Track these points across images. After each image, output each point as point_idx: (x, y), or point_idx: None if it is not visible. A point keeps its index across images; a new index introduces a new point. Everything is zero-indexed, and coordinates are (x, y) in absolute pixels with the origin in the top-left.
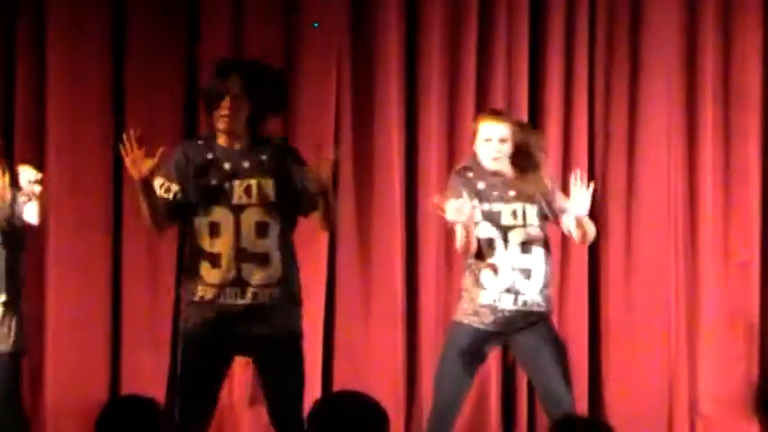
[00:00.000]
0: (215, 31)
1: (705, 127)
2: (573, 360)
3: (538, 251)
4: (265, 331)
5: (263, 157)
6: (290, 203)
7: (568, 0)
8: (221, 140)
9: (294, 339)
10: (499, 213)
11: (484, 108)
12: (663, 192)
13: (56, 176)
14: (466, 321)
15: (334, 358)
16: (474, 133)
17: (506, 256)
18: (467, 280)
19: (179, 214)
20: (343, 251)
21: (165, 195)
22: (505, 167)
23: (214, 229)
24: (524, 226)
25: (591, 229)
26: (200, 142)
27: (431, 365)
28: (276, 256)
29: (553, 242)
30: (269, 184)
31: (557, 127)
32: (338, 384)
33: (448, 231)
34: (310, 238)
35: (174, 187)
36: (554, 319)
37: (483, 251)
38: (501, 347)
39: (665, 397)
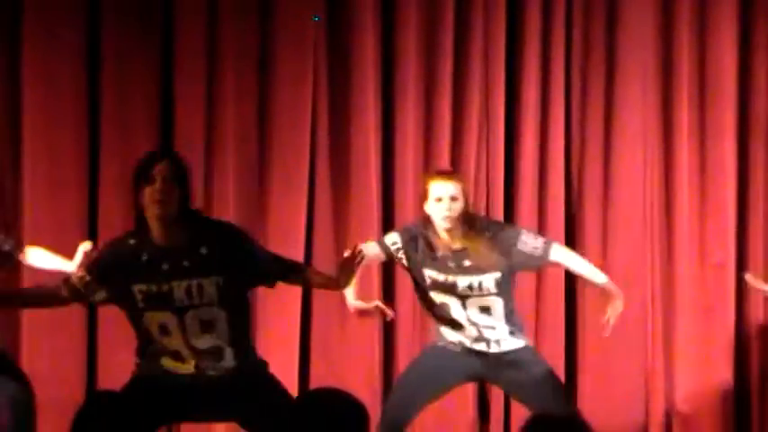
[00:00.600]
0: (190, 37)
1: (681, 130)
2: (549, 363)
3: (498, 308)
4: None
5: (203, 251)
6: (238, 295)
7: (545, 3)
8: (156, 236)
9: (261, 381)
10: (455, 284)
11: (429, 168)
12: (639, 194)
13: (31, 182)
14: (442, 344)
15: (310, 357)
16: (424, 194)
17: (465, 315)
18: (432, 326)
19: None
20: (319, 252)
21: (84, 292)
22: (457, 230)
23: (163, 329)
24: (481, 295)
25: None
26: (131, 242)
27: (408, 362)
28: (227, 349)
29: None
30: (210, 283)
31: (533, 131)
32: (315, 383)
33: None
34: (286, 239)
35: (101, 294)
36: (531, 322)
37: (439, 312)
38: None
39: (641, 398)
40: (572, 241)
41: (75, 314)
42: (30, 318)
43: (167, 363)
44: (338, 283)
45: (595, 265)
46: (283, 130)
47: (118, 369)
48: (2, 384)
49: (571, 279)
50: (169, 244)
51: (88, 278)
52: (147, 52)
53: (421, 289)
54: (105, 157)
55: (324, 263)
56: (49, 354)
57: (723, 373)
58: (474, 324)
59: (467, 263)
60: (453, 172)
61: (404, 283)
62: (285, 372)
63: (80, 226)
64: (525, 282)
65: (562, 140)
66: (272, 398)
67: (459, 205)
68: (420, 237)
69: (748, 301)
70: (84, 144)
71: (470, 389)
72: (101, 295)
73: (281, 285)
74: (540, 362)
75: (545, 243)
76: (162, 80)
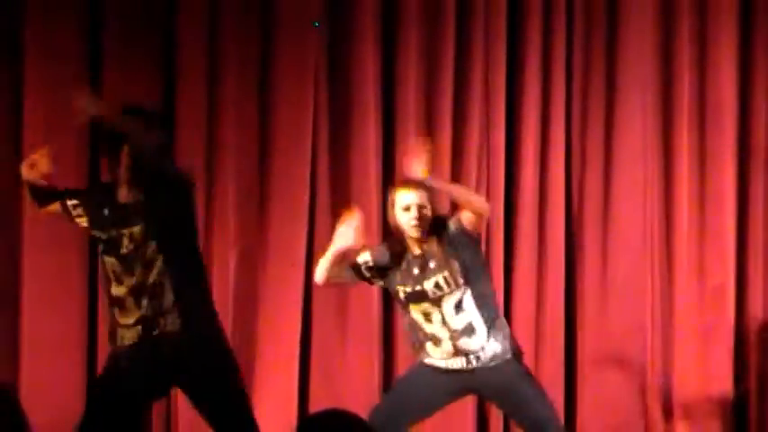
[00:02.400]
0: (192, 41)
1: (681, 149)
2: (548, 380)
3: (470, 304)
4: (170, 362)
5: (138, 199)
6: (170, 231)
7: (545, 22)
8: (119, 192)
9: (201, 344)
10: (423, 290)
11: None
12: (639, 213)
13: None
14: (428, 361)
15: (310, 376)
16: (391, 204)
17: (443, 324)
18: (413, 347)
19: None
20: None
21: (78, 220)
22: (424, 237)
23: (116, 277)
24: (452, 291)
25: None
26: (99, 189)
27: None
28: (166, 284)
29: (528, 261)
30: (140, 230)
31: (534, 150)
32: (315, 402)
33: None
34: (287, 254)
35: (84, 221)
36: (531, 343)
37: (421, 325)
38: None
39: (640, 416)
40: (572, 259)
41: (74, 340)
42: (30, 336)
43: (116, 314)
44: None
45: (595, 283)
46: (284, 154)
47: None
48: None
49: (570, 301)
50: (123, 200)
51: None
52: (149, 56)
53: (401, 306)
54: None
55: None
56: (49, 373)
57: (722, 394)
58: (452, 332)
59: (431, 264)
60: (416, 180)
61: None
62: (285, 392)
63: (79, 236)
64: (525, 303)
65: (562, 161)
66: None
67: (427, 212)
68: (389, 252)
69: (747, 323)
70: (86, 149)
71: (470, 404)
72: (83, 221)
73: (281, 305)
74: (522, 372)
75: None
76: (164, 84)
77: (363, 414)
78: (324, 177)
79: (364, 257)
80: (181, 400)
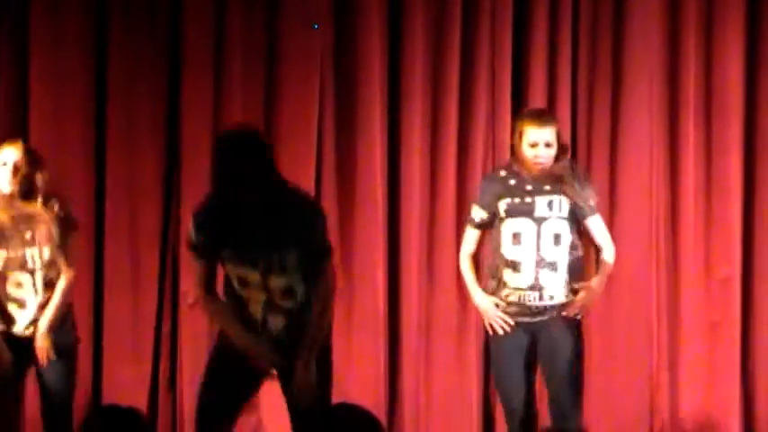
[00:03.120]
0: (197, 32)
1: (687, 141)
2: None
3: (566, 243)
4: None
5: None
6: None
7: (551, 17)
8: None
9: None
10: (533, 204)
11: (522, 108)
12: (645, 206)
13: None
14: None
15: None
16: (519, 135)
17: (533, 250)
18: (489, 282)
19: None
20: None
21: None
22: (545, 172)
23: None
24: (558, 218)
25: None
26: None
27: (412, 372)
28: None
29: None
30: None
31: None
32: None
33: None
34: None
35: None
36: None
37: (506, 248)
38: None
39: (646, 411)
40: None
41: (80, 324)
42: None
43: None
44: None
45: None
46: (289, 143)
47: (122, 381)
48: None
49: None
50: None
51: None
52: (155, 49)
53: (496, 221)
54: (111, 155)
55: None
56: None
57: (729, 389)
58: (539, 259)
59: (546, 186)
60: (550, 115)
61: (409, 295)
62: None
63: (85, 227)
64: None
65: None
66: None
67: (553, 151)
68: (503, 176)
69: (754, 316)
70: (91, 142)
71: (474, 404)
72: None
73: None
74: (574, 341)
75: (593, 205)
76: (169, 77)
77: (367, 401)
78: (329, 166)
79: (479, 214)
80: (186, 402)
